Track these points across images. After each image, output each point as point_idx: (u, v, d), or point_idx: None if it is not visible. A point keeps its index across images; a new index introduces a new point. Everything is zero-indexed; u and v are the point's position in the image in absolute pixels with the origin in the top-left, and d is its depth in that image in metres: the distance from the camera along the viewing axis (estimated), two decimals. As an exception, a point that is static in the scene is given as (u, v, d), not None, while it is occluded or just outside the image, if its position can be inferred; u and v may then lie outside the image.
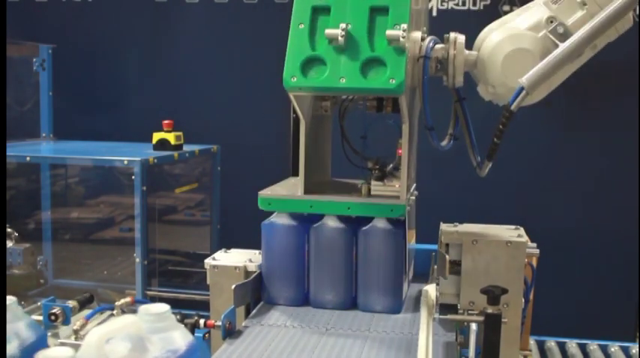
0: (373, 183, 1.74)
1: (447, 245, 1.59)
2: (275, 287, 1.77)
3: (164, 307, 1.04)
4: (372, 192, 1.75)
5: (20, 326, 1.08)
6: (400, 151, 1.71)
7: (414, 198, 1.90)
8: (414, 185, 1.94)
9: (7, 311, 1.07)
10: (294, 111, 1.76)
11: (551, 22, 1.66)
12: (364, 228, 1.70)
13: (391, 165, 1.81)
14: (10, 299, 1.09)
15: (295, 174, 1.87)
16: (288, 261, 1.77)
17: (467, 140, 1.92)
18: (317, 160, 1.89)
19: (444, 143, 1.88)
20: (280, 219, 1.78)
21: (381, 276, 1.71)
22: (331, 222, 1.72)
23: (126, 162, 2.74)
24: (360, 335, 1.60)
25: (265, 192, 1.80)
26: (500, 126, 1.67)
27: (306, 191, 1.75)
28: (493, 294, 1.39)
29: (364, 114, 1.87)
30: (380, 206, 1.69)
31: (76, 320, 1.69)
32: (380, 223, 1.69)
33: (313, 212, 1.73)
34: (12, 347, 1.05)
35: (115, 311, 1.81)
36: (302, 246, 1.76)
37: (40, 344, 1.09)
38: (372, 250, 1.69)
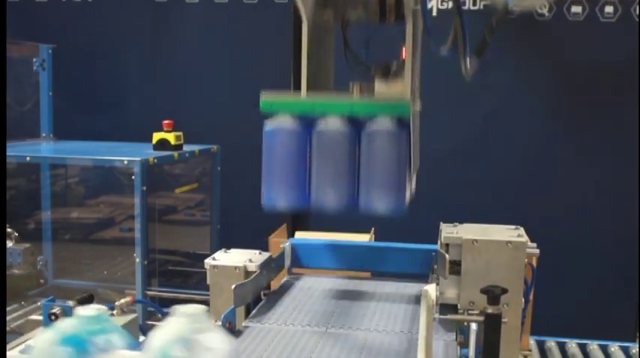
0: (377, 81, 1.71)
1: (447, 245, 1.59)
2: (275, 189, 1.77)
3: (200, 307, 1.05)
4: (376, 91, 1.71)
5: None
6: (404, 53, 1.64)
7: (419, 107, 1.83)
8: (418, 99, 1.87)
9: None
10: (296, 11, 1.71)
11: None
12: (367, 129, 1.62)
13: (394, 64, 1.74)
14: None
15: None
16: (290, 163, 1.76)
17: (460, 47, 1.88)
18: (319, 74, 1.85)
19: (444, 48, 1.85)
20: (281, 124, 1.77)
21: (384, 176, 1.62)
22: (333, 124, 1.66)
23: (126, 162, 2.74)
24: (360, 334, 1.60)
25: (267, 94, 1.79)
26: (494, 23, 1.66)
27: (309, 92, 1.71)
28: (493, 294, 1.39)
29: (367, 26, 1.82)
30: (384, 105, 1.63)
31: (76, 320, 1.68)
32: (383, 124, 1.61)
33: (316, 111, 1.69)
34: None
35: (115, 311, 1.81)
36: (304, 148, 1.72)
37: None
38: (375, 150, 1.62)
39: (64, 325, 0.97)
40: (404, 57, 1.64)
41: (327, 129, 1.67)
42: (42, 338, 0.94)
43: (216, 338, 1.01)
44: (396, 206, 1.61)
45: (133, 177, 2.72)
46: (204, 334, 1.00)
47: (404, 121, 1.63)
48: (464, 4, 3.56)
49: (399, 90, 1.66)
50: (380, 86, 1.70)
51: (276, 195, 1.76)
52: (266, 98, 1.77)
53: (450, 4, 3.58)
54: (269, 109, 1.78)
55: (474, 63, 1.81)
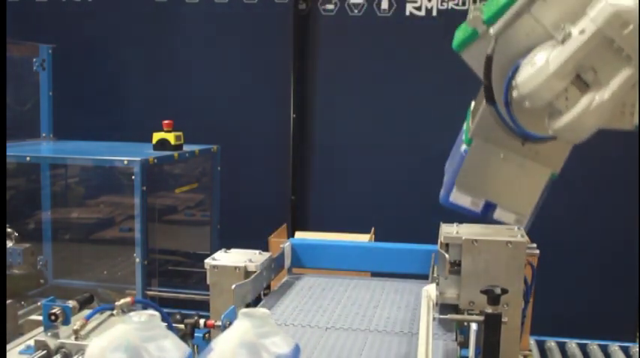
0: None
1: (447, 245, 1.59)
2: None
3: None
4: None
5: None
6: None
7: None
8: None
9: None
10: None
11: None
12: None
13: None
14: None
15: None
16: None
17: None
18: None
19: None
20: None
21: None
22: None
23: (126, 162, 2.74)
24: (361, 334, 1.60)
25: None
26: None
27: None
28: (493, 294, 1.39)
29: None
30: None
31: (76, 320, 1.69)
32: None
33: None
34: None
35: (115, 311, 1.81)
36: None
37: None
38: None
39: (116, 331, 0.95)
40: None
41: None
42: (94, 345, 0.93)
43: (280, 342, 0.99)
44: None
45: (133, 177, 2.72)
46: (270, 338, 0.98)
47: None
48: (464, 4, 3.56)
49: None
50: None
51: None
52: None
53: (451, 5, 3.58)
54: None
55: None
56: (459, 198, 1.72)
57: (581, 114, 1.52)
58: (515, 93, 1.54)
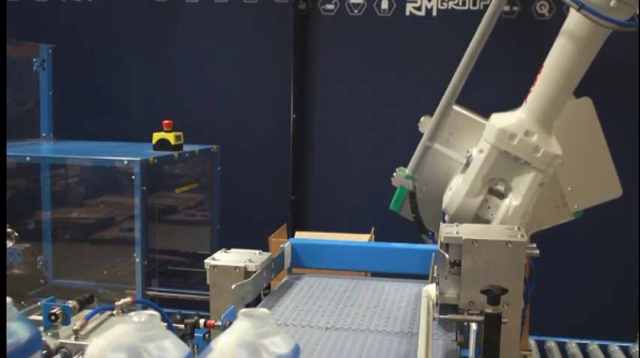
0: None
1: (447, 245, 1.59)
2: None
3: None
4: None
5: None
6: None
7: None
8: None
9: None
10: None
11: None
12: None
13: None
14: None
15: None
16: None
17: None
18: None
19: None
20: None
21: None
22: None
23: (126, 162, 2.74)
24: (360, 334, 1.60)
25: None
26: None
27: None
28: (493, 294, 1.39)
29: None
30: None
31: (76, 320, 1.69)
32: None
33: None
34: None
35: (115, 312, 1.81)
36: None
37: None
38: None
39: (116, 331, 0.96)
40: None
41: None
42: (94, 345, 0.93)
43: (280, 342, 0.99)
44: None
45: (133, 177, 2.72)
46: (270, 338, 0.99)
47: None
48: (464, 4, 3.56)
49: None
50: None
51: None
52: None
53: (451, 5, 3.58)
54: None
55: None
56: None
57: (503, 221, 1.75)
58: (447, 218, 1.82)
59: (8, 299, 1.08)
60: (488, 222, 1.70)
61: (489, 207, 1.72)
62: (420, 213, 1.87)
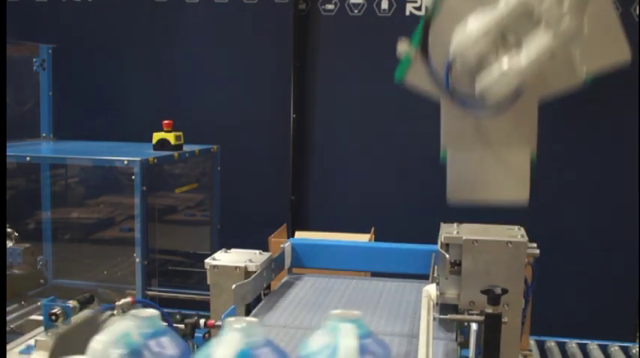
0: None
1: (447, 245, 1.59)
2: None
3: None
4: None
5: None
6: None
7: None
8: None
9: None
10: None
11: None
12: None
13: None
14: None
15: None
16: None
17: None
18: None
19: None
20: None
21: None
22: None
23: (126, 162, 2.74)
24: (360, 335, 1.60)
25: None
26: None
27: None
28: (493, 294, 1.39)
29: None
30: None
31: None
32: None
33: None
34: None
35: (115, 311, 1.81)
36: None
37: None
38: None
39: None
40: None
41: None
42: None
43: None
44: None
45: (133, 177, 2.72)
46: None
47: None
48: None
49: None
50: None
51: None
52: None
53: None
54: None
55: None
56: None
57: (503, 75, 1.61)
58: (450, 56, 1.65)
59: (154, 312, 1.05)
60: (484, 73, 1.65)
61: (490, 61, 1.64)
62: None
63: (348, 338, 0.96)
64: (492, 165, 1.79)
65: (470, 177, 1.82)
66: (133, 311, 1.04)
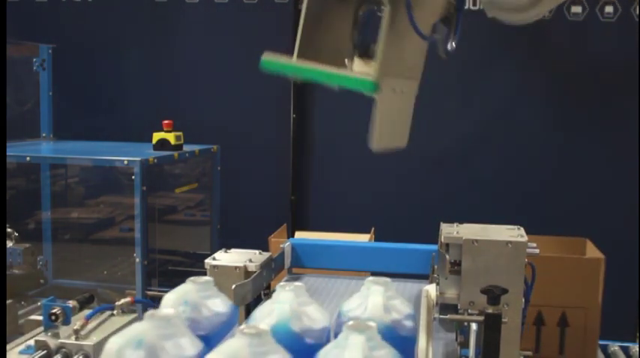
0: (355, 59, 1.73)
1: (447, 245, 1.59)
2: None
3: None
4: (354, 68, 1.72)
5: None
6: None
7: (409, 92, 1.80)
8: (415, 84, 1.83)
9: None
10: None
11: None
12: None
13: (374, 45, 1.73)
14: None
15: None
16: None
17: (452, 25, 1.88)
18: (322, 44, 1.87)
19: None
20: None
21: None
22: None
23: (126, 162, 2.74)
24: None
25: (269, 55, 1.86)
26: None
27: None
28: (493, 294, 1.39)
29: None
30: (354, 80, 1.64)
31: (77, 320, 1.69)
32: None
33: (299, 77, 1.81)
34: None
35: (115, 311, 1.81)
36: None
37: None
38: None
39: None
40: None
41: None
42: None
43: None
44: None
45: (133, 177, 2.72)
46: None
47: None
48: (464, 3, 3.56)
49: (371, 68, 1.66)
50: (358, 64, 1.72)
51: None
52: (266, 58, 1.86)
53: None
54: (266, 66, 1.86)
55: (454, 38, 1.81)
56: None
57: None
58: None
59: (209, 279, 1.29)
60: None
61: None
62: None
63: (376, 296, 1.21)
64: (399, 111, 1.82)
65: (391, 126, 1.83)
66: (191, 278, 1.27)
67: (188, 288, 1.25)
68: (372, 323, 1.03)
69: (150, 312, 0.99)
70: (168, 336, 0.99)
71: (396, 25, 1.69)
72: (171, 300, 1.21)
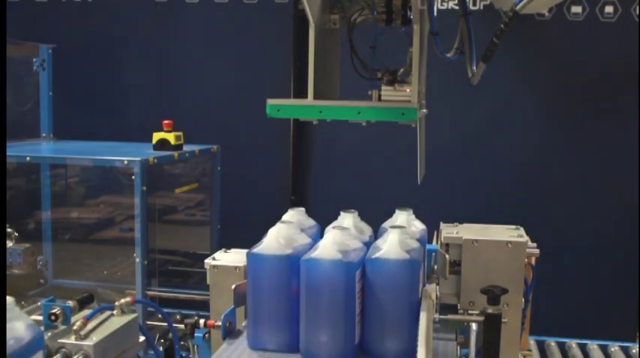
0: (384, 87, 1.65)
1: (447, 245, 1.59)
2: (262, 328, 1.52)
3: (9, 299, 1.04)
4: (383, 97, 1.65)
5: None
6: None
7: (425, 111, 1.79)
8: (424, 102, 1.81)
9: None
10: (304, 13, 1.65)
11: None
12: (372, 257, 1.42)
13: (402, 70, 1.70)
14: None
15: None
16: (277, 298, 1.51)
17: (467, 52, 1.90)
18: (325, 78, 1.79)
19: (449, 54, 1.85)
20: (269, 250, 1.57)
21: (392, 317, 1.42)
22: (326, 253, 1.44)
23: (126, 162, 2.74)
24: (360, 335, 1.60)
25: (274, 100, 1.75)
26: (502, 26, 1.71)
27: (316, 97, 1.65)
28: (493, 294, 1.39)
29: (374, 27, 1.78)
30: (391, 110, 1.59)
31: (76, 320, 1.69)
32: (391, 252, 1.43)
33: (323, 118, 1.65)
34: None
35: (115, 311, 1.81)
36: (291, 282, 1.50)
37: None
38: (381, 285, 1.41)
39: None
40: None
41: (318, 262, 1.44)
42: None
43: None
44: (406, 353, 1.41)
45: (133, 177, 2.72)
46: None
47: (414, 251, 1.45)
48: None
49: (406, 94, 1.63)
50: (387, 92, 1.66)
51: (264, 339, 1.52)
52: (272, 103, 1.74)
53: (451, 4, 3.58)
54: (275, 115, 1.73)
55: (481, 67, 1.83)
56: None
57: None
58: None
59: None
60: None
61: None
62: None
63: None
64: None
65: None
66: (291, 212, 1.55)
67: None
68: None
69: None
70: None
71: (423, 45, 1.66)
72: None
